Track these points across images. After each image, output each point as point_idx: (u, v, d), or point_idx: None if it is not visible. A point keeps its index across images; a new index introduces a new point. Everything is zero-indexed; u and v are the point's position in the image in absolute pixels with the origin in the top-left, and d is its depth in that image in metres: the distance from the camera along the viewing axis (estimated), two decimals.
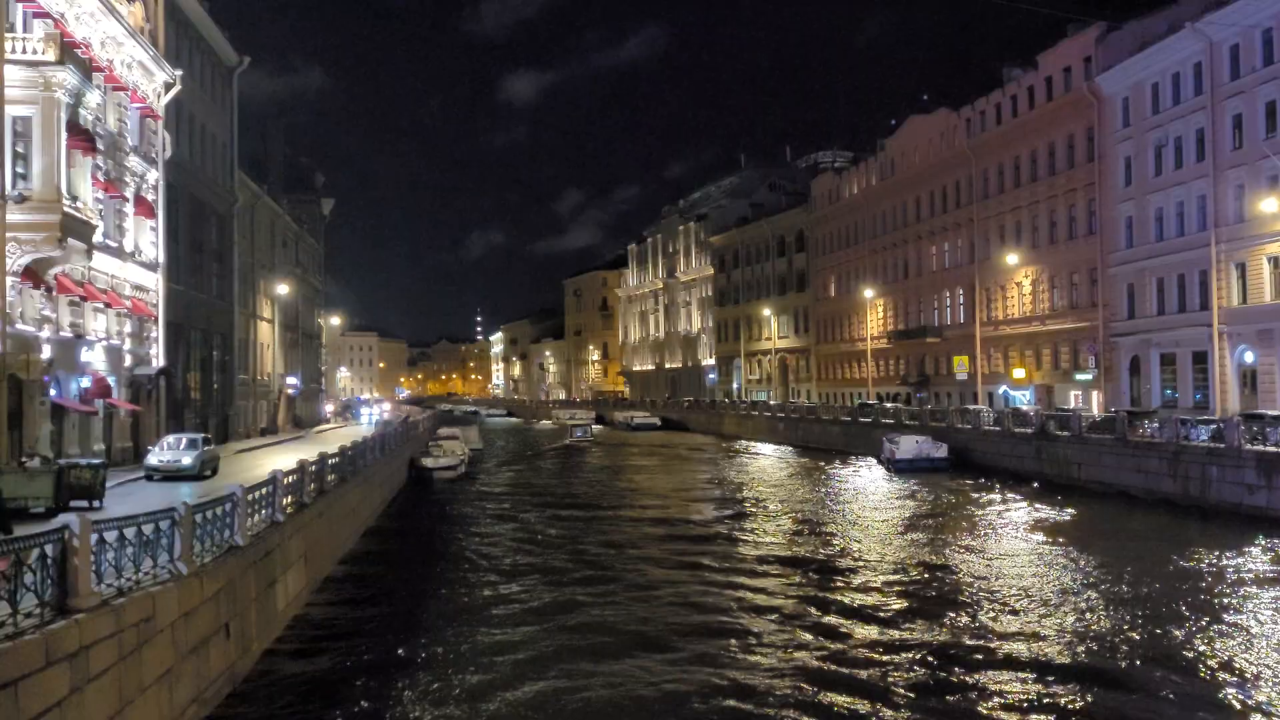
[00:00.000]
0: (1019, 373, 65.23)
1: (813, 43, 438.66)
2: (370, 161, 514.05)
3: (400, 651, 20.07)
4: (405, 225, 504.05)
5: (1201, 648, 19.55)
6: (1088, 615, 22.45)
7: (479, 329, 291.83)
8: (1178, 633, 20.63)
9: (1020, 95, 66.02)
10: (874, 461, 58.54)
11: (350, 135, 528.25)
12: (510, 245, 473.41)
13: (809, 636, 21.19)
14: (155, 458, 32.47)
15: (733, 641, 20.76)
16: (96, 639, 12.09)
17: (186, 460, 32.16)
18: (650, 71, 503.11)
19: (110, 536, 13.33)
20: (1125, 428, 41.91)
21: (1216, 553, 28.73)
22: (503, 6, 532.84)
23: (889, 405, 71.22)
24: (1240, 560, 27.95)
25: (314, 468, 26.92)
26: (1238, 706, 16.38)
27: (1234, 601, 23.47)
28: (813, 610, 23.58)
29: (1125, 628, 21.21)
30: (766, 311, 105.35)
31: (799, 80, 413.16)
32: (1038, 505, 39.95)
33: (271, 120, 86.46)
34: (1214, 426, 37.81)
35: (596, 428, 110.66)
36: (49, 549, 11.70)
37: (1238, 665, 18.49)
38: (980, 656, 19.33)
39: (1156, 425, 41.08)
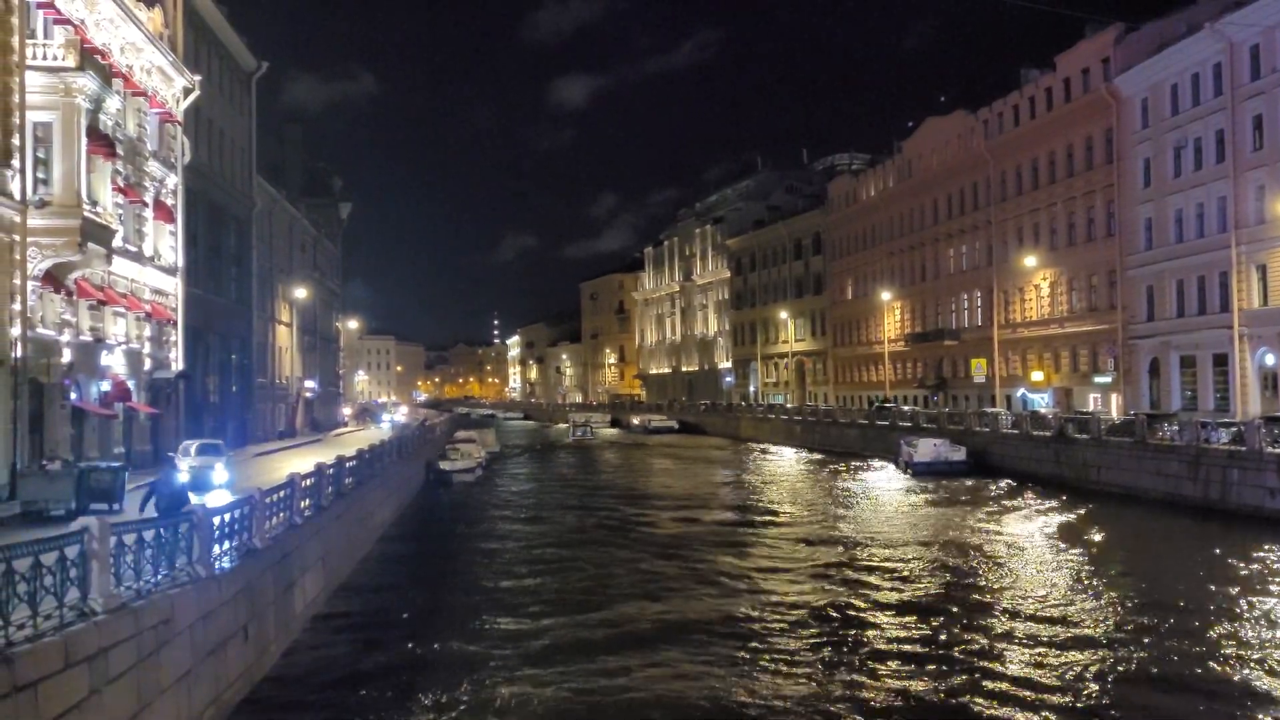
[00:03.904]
0: (1037, 375, 64.95)
1: (833, 47, 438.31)
2: (409, 166, 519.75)
3: (418, 654, 20.10)
4: (440, 229, 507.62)
5: (1224, 651, 19.38)
6: (1108, 618, 22.28)
7: (496, 332, 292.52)
8: (1201, 637, 20.44)
9: (1038, 97, 65.75)
10: (891, 464, 58.34)
11: (396, 141, 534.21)
12: (541, 249, 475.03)
13: (828, 639, 21.06)
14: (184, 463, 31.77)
15: (754, 644, 20.66)
16: (115, 641, 12.15)
17: (213, 471, 30.73)
18: (699, 76, 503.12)
19: (129, 539, 13.39)
20: (1144, 431, 41.63)
21: (1238, 556, 28.49)
22: (560, 11, 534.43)
23: (906, 408, 71.00)
24: (1261, 565, 27.71)
25: (331, 471, 27.02)
26: (1259, 707, 16.23)
27: (1256, 605, 23.25)
28: (834, 614, 23.43)
29: (1149, 633, 21.01)
30: (783, 314, 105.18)
31: (817, 84, 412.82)
32: (1057, 508, 39.74)
33: (289, 125, 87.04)
34: (1234, 429, 37.53)
35: (612, 431, 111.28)
36: (68, 551, 11.77)
37: (1260, 667, 18.33)
38: (1002, 659, 19.22)
39: (1176, 428, 40.77)
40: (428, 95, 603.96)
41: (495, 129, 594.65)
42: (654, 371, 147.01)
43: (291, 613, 20.83)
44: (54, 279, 29.51)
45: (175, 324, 41.39)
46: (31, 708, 10.34)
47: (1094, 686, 17.57)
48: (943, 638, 20.94)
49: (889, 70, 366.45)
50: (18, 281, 26.89)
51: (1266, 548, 29.49)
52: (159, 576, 14.16)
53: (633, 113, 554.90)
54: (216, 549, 16.53)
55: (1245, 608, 23.02)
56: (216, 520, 16.70)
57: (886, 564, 29.63)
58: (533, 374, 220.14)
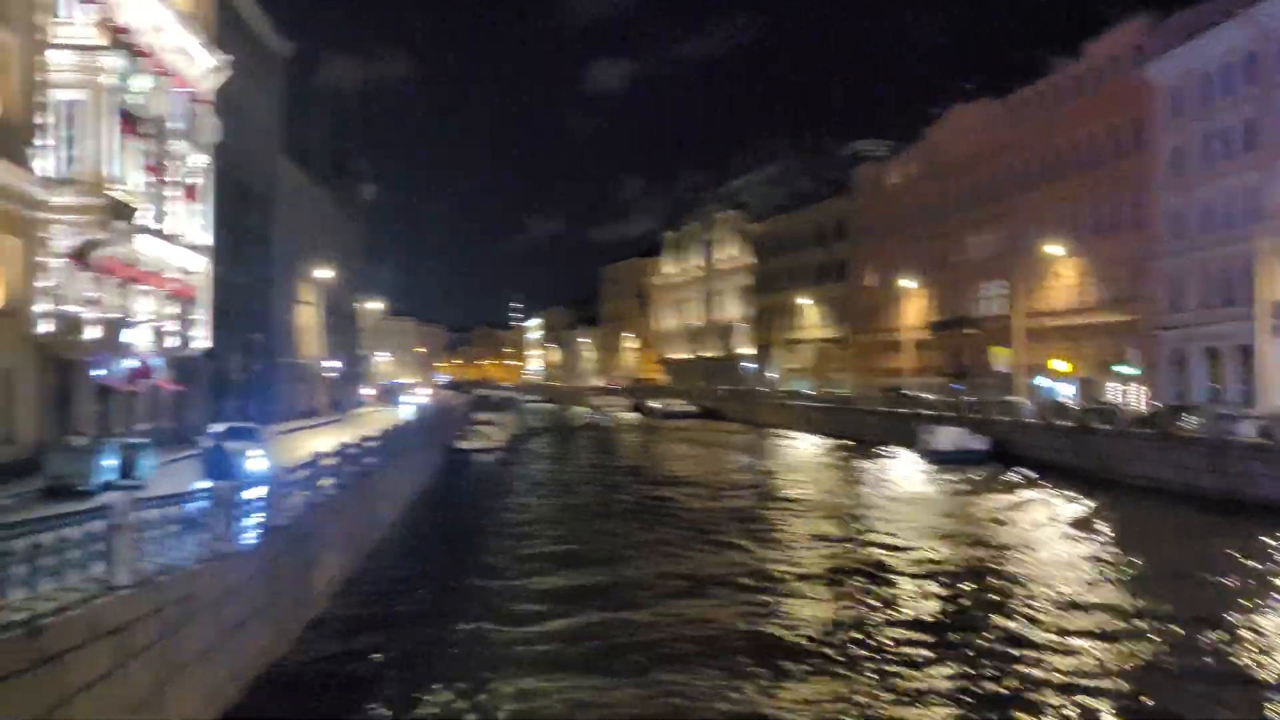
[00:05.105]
0: (1059, 365, 64.50)
1: (859, 33, 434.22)
2: (440, 149, 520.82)
3: (439, 632, 20.24)
4: (468, 211, 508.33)
5: (1242, 641, 19.31)
6: (1126, 607, 22.21)
7: (519, 315, 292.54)
8: (1220, 626, 20.35)
9: (1065, 84, 65.12)
10: (911, 452, 58.20)
11: (428, 123, 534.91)
12: (569, 232, 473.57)
13: (844, 628, 21.12)
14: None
15: (768, 639, 20.77)
16: (139, 615, 12.33)
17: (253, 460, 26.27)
18: (730, 61, 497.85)
19: (153, 515, 13.56)
20: (1167, 422, 41.36)
21: (1259, 548, 28.34)
22: None
23: (926, 396, 70.75)
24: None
25: (353, 450, 27.22)
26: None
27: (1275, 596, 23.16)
28: (852, 601, 23.50)
29: (1167, 621, 20.94)
30: (804, 301, 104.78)
31: (843, 70, 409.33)
32: (1077, 499, 39.57)
33: (315, 106, 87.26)
34: (1260, 422, 37.25)
35: (632, 415, 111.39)
36: (93, 526, 11.94)
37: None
38: (1017, 643, 19.21)
39: (1199, 420, 40.50)
40: (462, 79, 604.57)
41: (528, 113, 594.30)
42: (674, 356, 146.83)
43: (313, 589, 21.05)
44: (80, 256, 29.78)
45: (200, 302, 41.70)
46: (58, 679, 10.53)
47: (1112, 675, 17.55)
48: (959, 622, 20.97)
49: (915, 57, 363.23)
50: (44, 259, 27.17)
51: None
52: (183, 552, 14.35)
53: (664, 97, 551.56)
54: (239, 525, 16.71)
55: (1264, 598, 22.92)
56: (240, 497, 16.89)
57: (905, 548, 29.60)
58: (553, 357, 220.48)
